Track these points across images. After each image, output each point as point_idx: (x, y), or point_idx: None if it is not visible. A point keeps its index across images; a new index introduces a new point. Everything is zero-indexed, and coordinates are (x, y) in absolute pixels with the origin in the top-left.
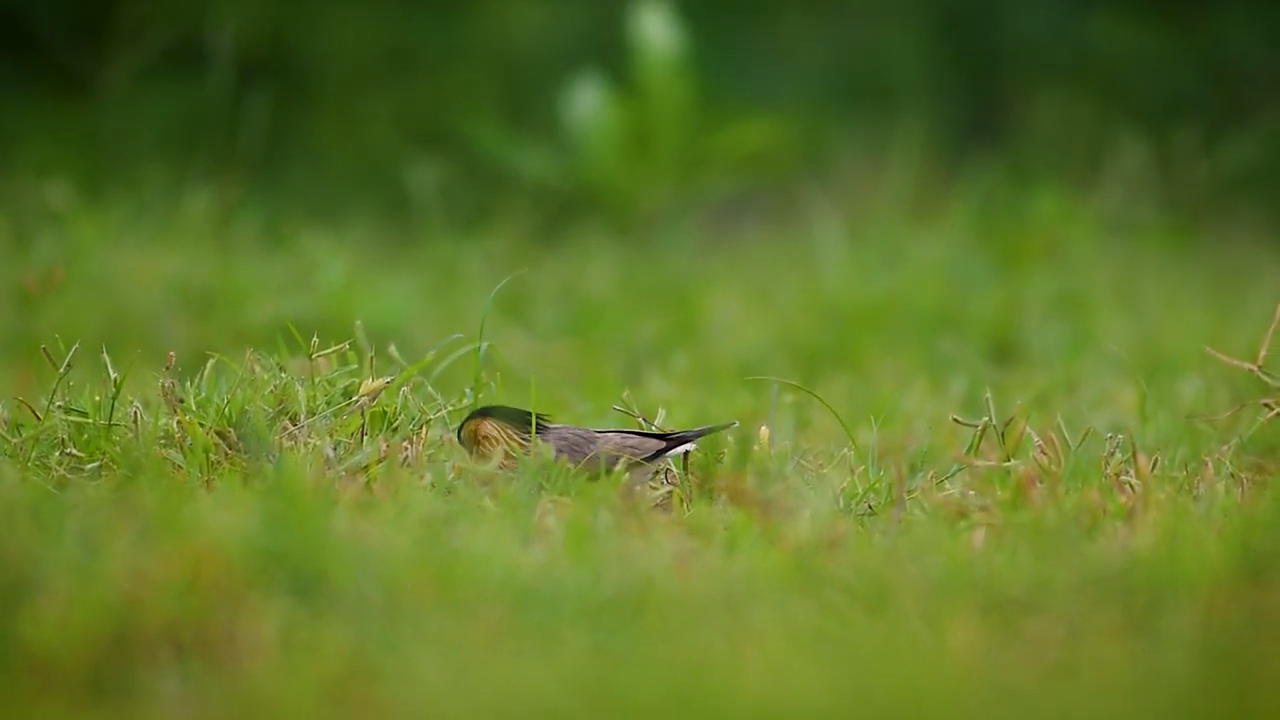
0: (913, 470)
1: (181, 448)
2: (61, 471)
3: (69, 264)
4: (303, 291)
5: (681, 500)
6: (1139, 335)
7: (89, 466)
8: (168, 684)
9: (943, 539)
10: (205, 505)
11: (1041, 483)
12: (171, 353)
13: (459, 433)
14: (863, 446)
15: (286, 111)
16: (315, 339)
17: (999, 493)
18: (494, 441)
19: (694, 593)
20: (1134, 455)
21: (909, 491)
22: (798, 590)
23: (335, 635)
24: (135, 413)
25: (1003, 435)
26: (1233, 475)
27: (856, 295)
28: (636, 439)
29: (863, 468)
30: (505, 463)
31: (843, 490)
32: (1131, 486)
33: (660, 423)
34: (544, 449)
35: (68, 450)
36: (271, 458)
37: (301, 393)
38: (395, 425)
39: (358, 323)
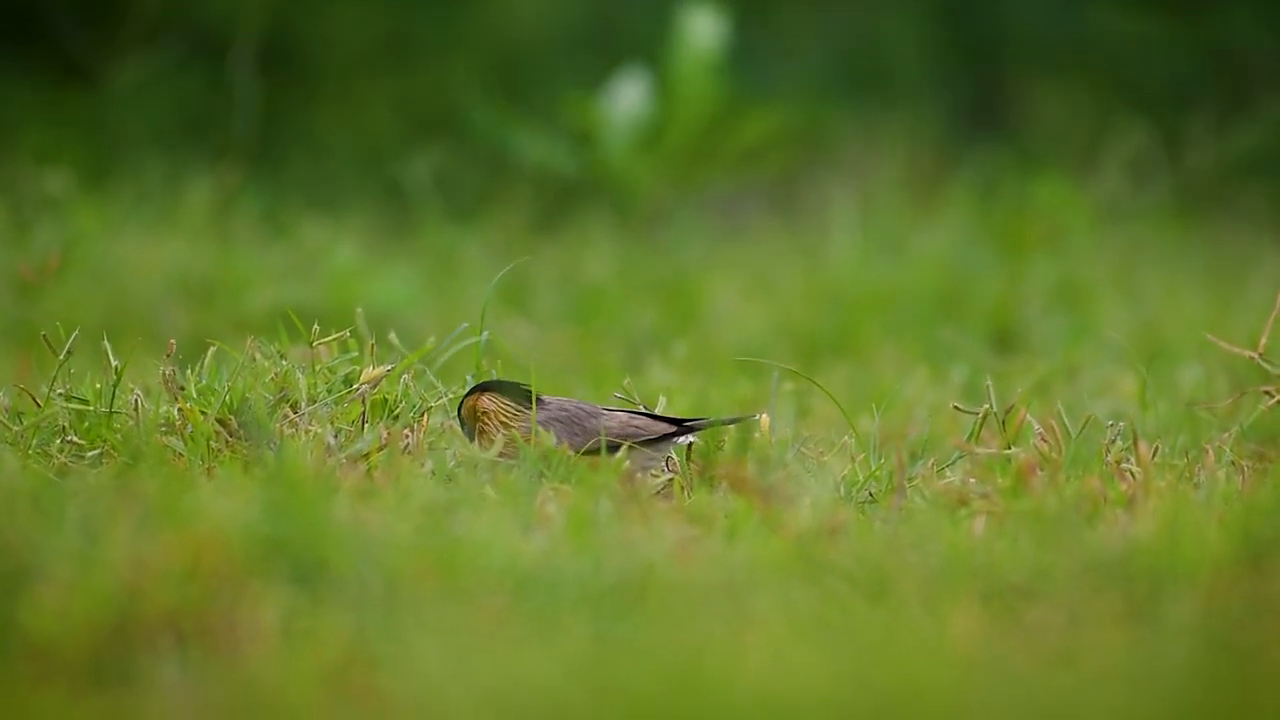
0: (913, 458)
1: (182, 435)
2: (62, 459)
3: (69, 251)
4: (303, 279)
5: (682, 488)
6: (1139, 322)
7: (90, 454)
8: (168, 671)
9: (943, 527)
10: (206, 493)
11: (1042, 470)
12: (172, 340)
13: (459, 410)
14: (863, 434)
15: (287, 99)
16: (316, 326)
17: (1000, 480)
18: (492, 416)
19: (695, 580)
20: (1134, 443)
21: (909, 479)
22: (798, 578)
23: (336, 623)
24: (136, 400)
25: (1003, 423)
26: (1233, 462)
27: (857, 283)
28: (644, 420)
29: (863, 455)
30: (505, 450)
31: (843, 478)
32: (1132, 474)
33: (661, 411)
34: (543, 434)
35: (68, 438)
36: (272, 445)
37: (302, 380)
38: (396, 413)
39: (358, 310)
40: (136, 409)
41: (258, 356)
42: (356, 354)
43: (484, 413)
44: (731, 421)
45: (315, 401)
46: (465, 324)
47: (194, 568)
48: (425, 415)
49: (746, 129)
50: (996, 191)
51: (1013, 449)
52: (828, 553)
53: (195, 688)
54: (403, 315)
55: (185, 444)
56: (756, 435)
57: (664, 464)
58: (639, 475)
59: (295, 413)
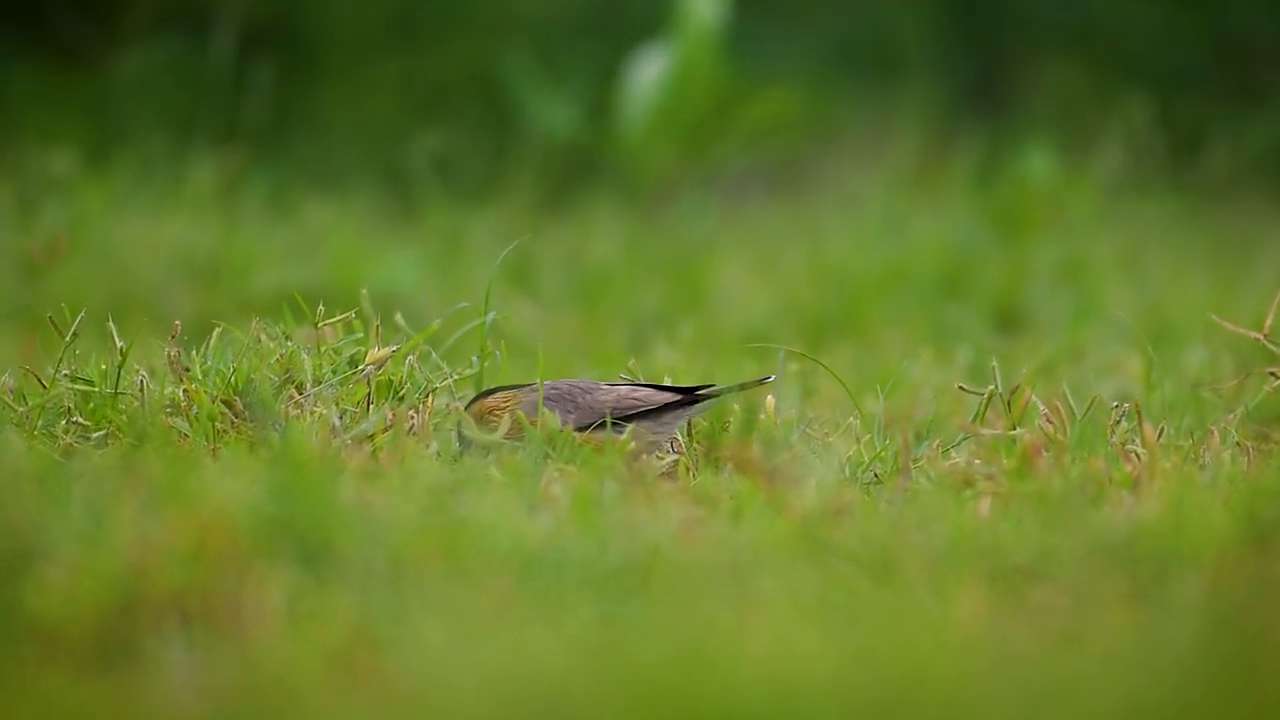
0: (918, 439)
1: (187, 416)
2: (68, 440)
3: (74, 233)
4: (308, 260)
5: (687, 469)
6: (1144, 303)
7: (95, 435)
8: (173, 653)
9: (948, 508)
10: (211, 474)
11: (1047, 451)
12: (177, 321)
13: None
14: (868, 415)
15: (291, 80)
16: (321, 307)
17: (1005, 461)
18: (500, 411)
19: (700, 561)
20: (1140, 424)
21: (915, 460)
22: (803, 559)
23: (341, 604)
24: (141, 381)
25: (1008, 404)
26: (1238, 444)
27: (862, 264)
28: (645, 392)
29: (868, 436)
30: (511, 434)
31: (848, 459)
32: (1137, 455)
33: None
34: (548, 414)
35: (74, 419)
36: (277, 426)
37: (307, 361)
38: (401, 394)
39: (363, 291)
40: (142, 390)
41: (263, 337)
42: (362, 335)
43: (490, 410)
44: (744, 387)
45: (320, 383)
46: (464, 303)
47: (199, 549)
48: (430, 396)
49: (751, 110)
50: (1000, 171)
51: (1018, 430)
52: (833, 534)
53: (200, 668)
54: (408, 296)
55: (190, 425)
56: (761, 416)
57: (669, 445)
58: (644, 456)
59: (300, 394)
